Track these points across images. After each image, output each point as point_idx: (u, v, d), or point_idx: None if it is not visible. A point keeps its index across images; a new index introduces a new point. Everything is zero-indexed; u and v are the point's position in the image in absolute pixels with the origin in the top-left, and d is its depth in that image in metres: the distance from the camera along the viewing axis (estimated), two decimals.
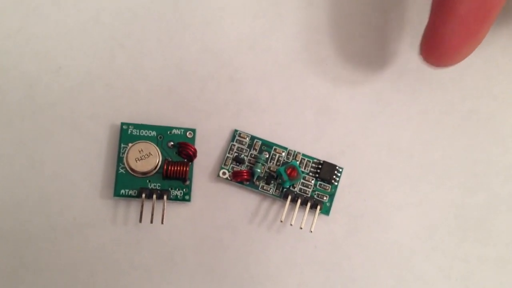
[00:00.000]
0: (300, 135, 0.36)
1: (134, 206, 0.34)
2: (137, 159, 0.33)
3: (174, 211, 0.34)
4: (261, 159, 0.34)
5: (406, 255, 0.35)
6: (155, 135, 0.34)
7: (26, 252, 0.33)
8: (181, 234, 0.34)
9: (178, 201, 0.34)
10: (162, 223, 0.32)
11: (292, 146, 0.35)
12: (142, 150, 0.33)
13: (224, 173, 0.34)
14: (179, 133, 0.35)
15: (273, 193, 0.34)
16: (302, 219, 0.33)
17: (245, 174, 0.34)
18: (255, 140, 0.35)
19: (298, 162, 0.35)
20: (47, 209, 0.33)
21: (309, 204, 0.34)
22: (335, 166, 0.35)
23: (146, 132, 0.34)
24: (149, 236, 0.34)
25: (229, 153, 0.35)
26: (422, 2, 0.38)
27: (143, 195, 0.33)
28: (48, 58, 0.35)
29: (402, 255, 0.35)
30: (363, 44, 0.37)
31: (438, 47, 0.30)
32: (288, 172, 0.33)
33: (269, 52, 0.37)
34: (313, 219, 0.33)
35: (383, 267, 0.35)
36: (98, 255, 0.33)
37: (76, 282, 0.33)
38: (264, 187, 0.34)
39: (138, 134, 0.34)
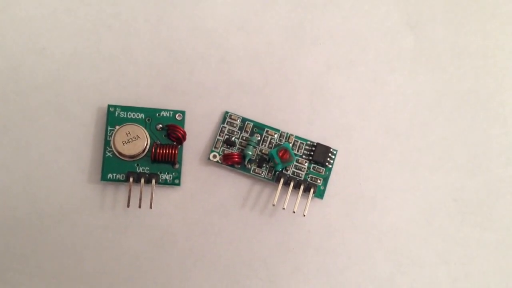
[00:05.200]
0: (293, 117, 0.35)
1: (122, 190, 0.33)
2: (124, 142, 0.32)
3: (163, 196, 0.33)
4: (253, 141, 0.33)
5: (403, 240, 0.34)
6: (143, 117, 0.33)
7: (12, 239, 0.32)
8: (171, 219, 0.33)
9: (167, 185, 0.33)
10: (150, 207, 0.32)
11: (285, 128, 0.34)
12: (129, 133, 0.32)
13: (214, 156, 0.33)
14: (168, 115, 0.34)
15: (265, 176, 0.33)
16: (295, 203, 0.32)
17: (236, 156, 0.33)
18: (247, 122, 0.34)
19: (291, 145, 0.34)
20: (32, 195, 0.32)
21: (302, 187, 0.33)
22: (329, 148, 0.34)
23: (134, 115, 0.33)
24: (138, 221, 0.33)
25: (219, 135, 0.34)
26: None
27: (131, 179, 0.32)
28: (32, 39, 0.34)
29: (399, 240, 0.34)
30: (358, 23, 0.36)
31: None
32: (280, 154, 0.32)
33: (261, 32, 0.36)
34: (306, 203, 0.32)
35: (379, 252, 0.34)
36: (85, 241, 0.32)
37: (64, 268, 0.32)
38: (256, 170, 0.33)
39: (125, 116, 0.33)
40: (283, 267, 0.33)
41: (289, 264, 0.33)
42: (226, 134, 0.34)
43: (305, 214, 0.32)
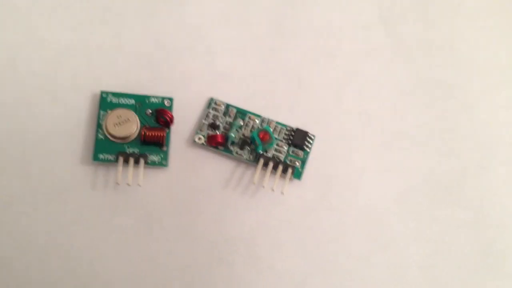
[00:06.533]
0: (274, 104, 0.37)
1: (112, 172, 0.35)
2: (115, 125, 0.34)
3: (151, 176, 0.35)
4: (236, 125, 0.35)
5: (378, 219, 0.36)
6: (134, 103, 0.36)
7: (4, 216, 0.34)
8: (158, 198, 0.35)
9: (155, 166, 0.35)
10: (139, 184, 0.33)
11: (266, 114, 0.37)
12: (120, 116, 0.35)
13: (199, 138, 0.35)
14: (157, 101, 0.36)
15: (247, 158, 0.35)
16: (274, 182, 0.34)
17: (219, 137, 0.35)
18: (230, 108, 0.36)
19: (272, 130, 0.36)
20: (27, 174, 0.34)
21: (280, 168, 0.35)
22: (307, 133, 0.36)
23: (125, 100, 0.35)
24: (127, 200, 0.35)
25: (204, 119, 0.36)
26: None
27: (121, 158, 0.34)
28: (30, 30, 0.36)
29: (374, 219, 0.36)
30: (334, 18, 0.39)
31: None
32: (261, 136, 0.35)
33: (244, 25, 0.38)
34: (285, 182, 0.35)
35: (355, 231, 0.36)
36: (76, 218, 0.34)
37: (55, 244, 0.34)
38: (238, 152, 0.35)
39: (117, 102, 0.35)
40: (263, 244, 0.35)
41: (269, 241, 0.35)
42: (211, 119, 0.36)
43: (283, 192, 0.34)
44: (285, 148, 0.36)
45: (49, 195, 0.34)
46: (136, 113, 0.35)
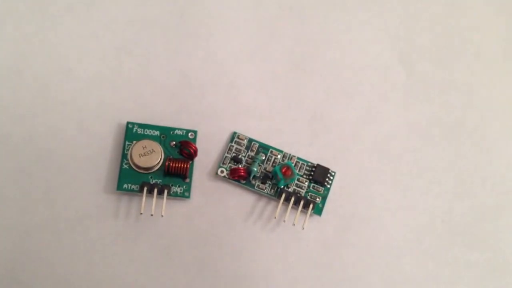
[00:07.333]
0: (295, 139, 0.38)
1: (135, 201, 0.35)
2: (140, 155, 0.35)
3: (173, 207, 0.36)
4: (258, 159, 0.36)
5: (396, 257, 0.36)
6: (159, 134, 0.36)
7: (28, 241, 0.34)
8: (179, 229, 0.35)
9: (178, 197, 0.35)
10: (162, 215, 0.34)
11: (288, 149, 0.37)
12: (145, 147, 0.35)
13: (222, 171, 0.36)
14: (181, 133, 0.37)
15: (268, 192, 0.36)
16: (295, 217, 0.35)
17: (242, 171, 0.35)
18: (253, 142, 0.37)
19: (293, 164, 0.36)
20: (51, 201, 0.35)
21: (302, 203, 0.35)
22: (328, 169, 0.37)
23: (150, 132, 0.36)
24: (148, 230, 0.35)
25: (227, 153, 0.37)
26: (409, 20, 0.41)
27: (145, 188, 0.34)
28: (60, 61, 0.37)
29: (391, 257, 0.36)
30: (355, 59, 0.40)
31: None
32: (283, 170, 0.35)
33: (267, 62, 0.39)
34: (306, 217, 0.35)
35: (373, 268, 0.36)
36: (97, 246, 0.34)
37: (75, 271, 0.34)
38: (260, 186, 0.36)
39: (142, 133, 0.36)
40: (282, 279, 0.35)
41: (288, 276, 0.35)
42: (233, 152, 0.37)
43: (304, 227, 0.35)
44: (306, 183, 0.36)
45: (71, 222, 0.35)
46: (160, 144, 0.36)
